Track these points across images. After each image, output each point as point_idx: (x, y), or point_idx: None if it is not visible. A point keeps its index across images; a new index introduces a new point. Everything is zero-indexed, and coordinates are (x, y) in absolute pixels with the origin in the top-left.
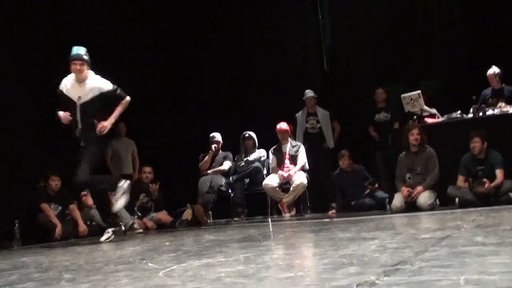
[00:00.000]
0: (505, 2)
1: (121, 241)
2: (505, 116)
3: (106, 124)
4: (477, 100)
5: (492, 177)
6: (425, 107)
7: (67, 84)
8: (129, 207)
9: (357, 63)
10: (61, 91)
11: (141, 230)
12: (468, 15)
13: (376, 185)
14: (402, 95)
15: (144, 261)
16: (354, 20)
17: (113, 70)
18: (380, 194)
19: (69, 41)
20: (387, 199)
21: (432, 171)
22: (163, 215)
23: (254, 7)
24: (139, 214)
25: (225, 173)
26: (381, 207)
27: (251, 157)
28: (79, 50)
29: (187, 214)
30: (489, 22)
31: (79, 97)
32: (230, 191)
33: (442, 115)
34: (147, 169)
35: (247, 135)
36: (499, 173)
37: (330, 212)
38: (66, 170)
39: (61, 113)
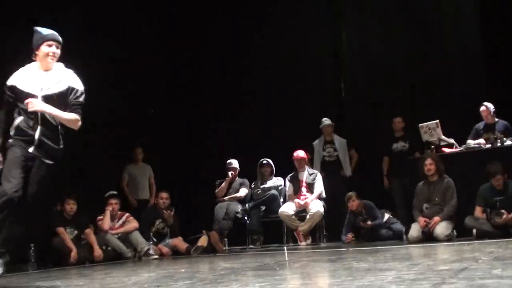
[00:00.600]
0: None
1: (136, 267)
2: None
3: (37, 104)
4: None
5: (511, 208)
6: (443, 137)
7: (26, 75)
8: (144, 232)
9: (373, 90)
10: (13, 87)
11: (156, 256)
12: (487, 42)
13: (369, 222)
14: (420, 124)
15: None
16: (370, 47)
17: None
18: (397, 226)
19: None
20: (404, 229)
21: (450, 202)
22: (179, 242)
23: (274, 33)
24: (155, 240)
25: (242, 200)
26: (397, 237)
27: (268, 184)
28: (53, 31)
29: (203, 241)
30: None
31: (41, 89)
32: (246, 218)
33: (460, 145)
34: (164, 195)
35: (265, 162)
36: None
37: (347, 239)
38: (82, 194)
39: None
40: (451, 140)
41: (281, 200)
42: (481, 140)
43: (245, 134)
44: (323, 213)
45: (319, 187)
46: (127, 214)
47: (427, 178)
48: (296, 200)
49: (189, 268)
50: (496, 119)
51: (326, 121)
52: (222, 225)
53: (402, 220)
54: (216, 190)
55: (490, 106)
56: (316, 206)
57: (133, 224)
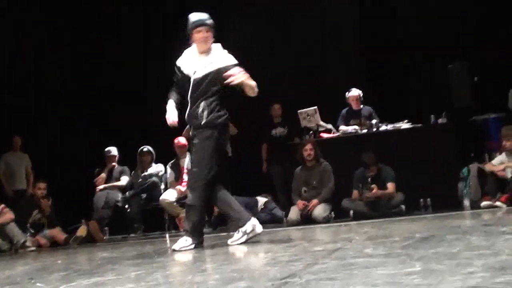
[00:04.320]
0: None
1: (12, 260)
2: (397, 131)
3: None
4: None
5: (382, 187)
6: (321, 122)
7: (186, 57)
8: (21, 224)
9: (254, 78)
10: (178, 67)
11: (33, 248)
12: (364, 31)
13: None
14: (299, 111)
15: (33, 281)
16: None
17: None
18: (276, 210)
19: None
20: (283, 213)
21: (327, 185)
22: (57, 232)
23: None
24: (32, 231)
25: (123, 189)
26: (277, 220)
27: (148, 171)
28: (202, 16)
29: (82, 231)
30: (383, 40)
31: (194, 72)
32: (126, 206)
33: (337, 129)
34: (42, 185)
35: (145, 149)
36: (390, 185)
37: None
38: None
39: (168, 115)
40: (329, 126)
41: (163, 187)
42: (356, 126)
43: (124, 120)
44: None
45: None
46: (2, 205)
47: (305, 163)
48: (178, 186)
49: (66, 259)
50: (361, 106)
51: None
52: (102, 214)
53: (282, 204)
54: (95, 179)
55: (359, 92)
56: None
57: (9, 215)
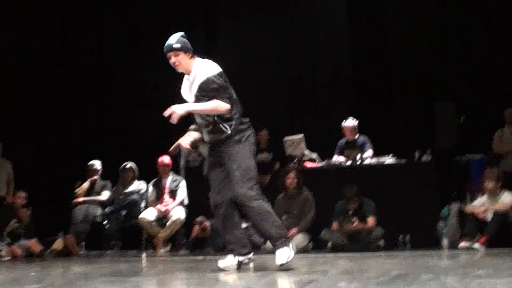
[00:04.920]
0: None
1: None
2: (381, 166)
3: (175, 112)
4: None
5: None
6: (306, 151)
7: (183, 83)
8: None
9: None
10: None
11: (8, 258)
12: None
13: None
14: (285, 138)
15: None
16: (244, 62)
17: None
18: (255, 237)
19: None
20: (262, 240)
21: (307, 214)
22: (33, 243)
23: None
24: (8, 240)
25: (103, 203)
26: (256, 247)
27: (130, 189)
28: (170, 40)
29: (58, 244)
30: (377, 65)
31: (191, 95)
32: (105, 222)
33: (323, 159)
34: (22, 194)
35: (128, 166)
36: (370, 219)
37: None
38: None
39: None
40: (314, 155)
41: (143, 204)
42: (342, 158)
43: (110, 134)
44: (184, 220)
45: (182, 194)
46: None
47: (287, 191)
48: (158, 206)
49: (40, 272)
50: (357, 135)
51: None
52: (80, 228)
53: None
54: (76, 191)
55: (354, 122)
56: (177, 214)
57: None
